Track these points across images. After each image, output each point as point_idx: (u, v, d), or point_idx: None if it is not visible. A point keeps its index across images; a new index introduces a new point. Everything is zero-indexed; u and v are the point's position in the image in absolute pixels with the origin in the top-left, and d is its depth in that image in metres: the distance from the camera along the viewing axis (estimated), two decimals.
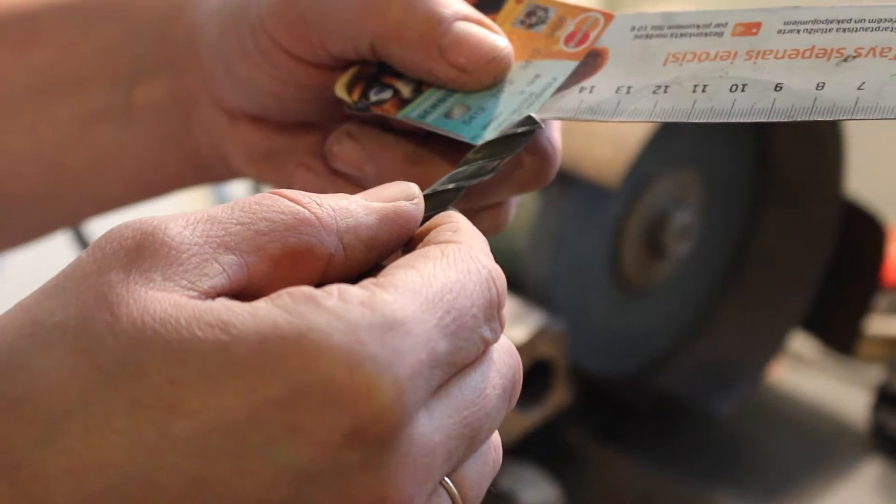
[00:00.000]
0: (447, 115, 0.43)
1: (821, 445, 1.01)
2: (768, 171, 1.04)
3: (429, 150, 0.44)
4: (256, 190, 1.14)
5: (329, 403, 0.29)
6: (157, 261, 0.31)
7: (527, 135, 0.41)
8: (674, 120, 0.40)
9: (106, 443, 0.29)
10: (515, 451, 0.87)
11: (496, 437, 0.34)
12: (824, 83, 0.38)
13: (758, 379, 1.03)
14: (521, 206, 0.91)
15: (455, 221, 0.36)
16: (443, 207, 0.38)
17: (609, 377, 0.99)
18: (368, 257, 0.34)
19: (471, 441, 0.32)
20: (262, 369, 0.29)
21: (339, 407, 0.29)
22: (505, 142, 0.40)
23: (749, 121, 0.39)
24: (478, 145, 0.41)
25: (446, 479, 0.32)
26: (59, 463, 0.29)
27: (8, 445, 0.29)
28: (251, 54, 0.46)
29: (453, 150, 0.44)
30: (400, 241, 0.35)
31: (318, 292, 0.30)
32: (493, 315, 0.33)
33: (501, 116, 0.42)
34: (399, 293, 0.31)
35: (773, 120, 0.39)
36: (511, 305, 0.85)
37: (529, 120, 0.41)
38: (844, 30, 0.39)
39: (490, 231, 0.46)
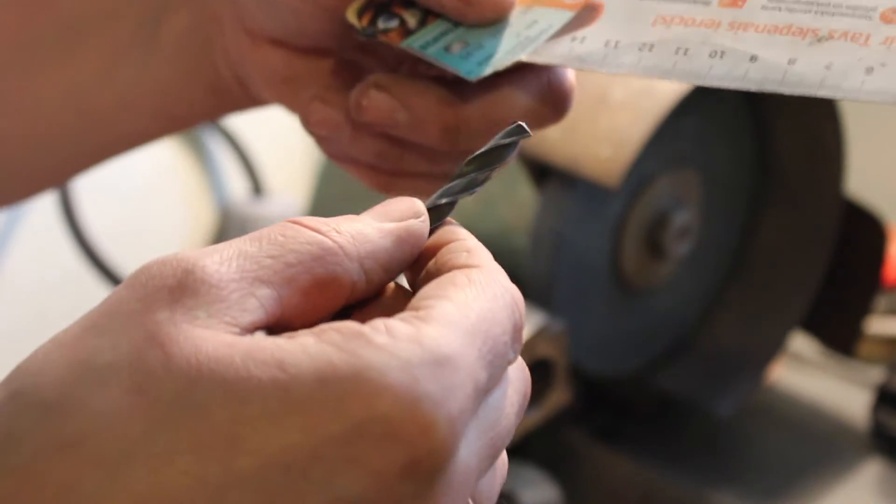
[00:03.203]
0: (447, 48, 0.45)
1: (821, 445, 1.01)
2: (768, 171, 1.04)
3: (461, 90, 0.45)
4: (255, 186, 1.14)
5: (388, 439, 0.30)
6: (200, 298, 0.31)
7: (513, 145, 0.42)
8: (654, 76, 0.42)
9: (170, 482, 0.29)
10: (515, 451, 0.87)
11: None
12: (796, 59, 0.41)
13: (758, 379, 1.03)
14: (521, 206, 0.91)
15: (464, 239, 0.37)
16: (440, 220, 0.39)
17: (609, 377, 0.99)
18: (385, 279, 0.36)
19: (493, 459, 0.34)
20: (322, 407, 0.30)
21: (397, 443, 0.30)
22: (493, 153, 0.42)
23: (723, 86, 0.41)
24: (468, 158, 0.42)
25: None
26: (126, 502, 0.29)
27: (72, 485, 0.29)
28: None
29: (484, 89, 0.45)
30: (411, 259, 0.37)
31: (365, 329, 0.31)
32: (517, 337, 0.34)
33: (496, 55, 0.45)
34: (441, 327, 0.32)
35: (744, 88, 0.41)
36: None
37: (518, 129, 0.42)
38: (822, 13, 0.42)
39: None
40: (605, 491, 0.93)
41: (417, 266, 0.37)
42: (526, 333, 0.83)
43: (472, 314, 0.33)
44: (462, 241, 0.37)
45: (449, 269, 0.35)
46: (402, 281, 0.38)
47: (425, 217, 0.37)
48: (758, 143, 1.03)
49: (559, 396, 0.86)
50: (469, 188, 0.40)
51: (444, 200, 0.39)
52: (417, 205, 0.37)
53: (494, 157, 0.41)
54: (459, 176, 0.41)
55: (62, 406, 0.30)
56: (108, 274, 1.02)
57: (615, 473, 0.94)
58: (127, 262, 1.03)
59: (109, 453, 0.29)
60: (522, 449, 0.87)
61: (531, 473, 0.87)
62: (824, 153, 0.99)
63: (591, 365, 0.95)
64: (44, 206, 1.01)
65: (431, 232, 0.38)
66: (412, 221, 0.36)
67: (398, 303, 0.36)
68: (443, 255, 0.36)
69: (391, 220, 0.36)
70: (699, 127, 0.97)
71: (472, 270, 0.34)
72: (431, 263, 0.36)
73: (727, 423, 1.01)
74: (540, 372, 0.85)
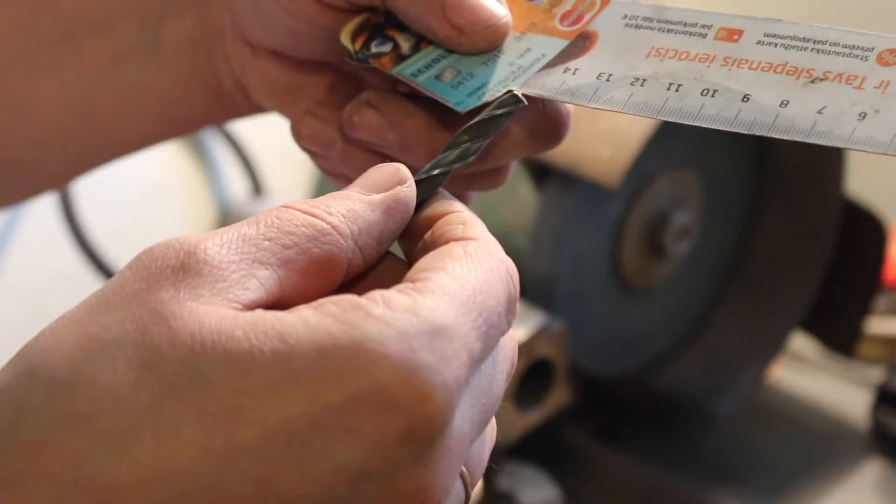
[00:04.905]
0: (438, 77, 0.45)
1: (821, 445, 1.01)
2: (768, 171, 1.04)
3: (453, 115, 0.45)
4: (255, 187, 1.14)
5: (386, 408, 0.31)
6: (203, 278, 0.32)
7: (508, 114, 0.42)
8: (643, 115, 0.42)
9: (176, 452, 0.30)
10: (515, 451, 0.87)
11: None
12: (789, 101, 0.40)
13: (758, 379, 1.03)
14: (521, 206, 0.91)
15: (459, 211, 0.38)
16: (433, 191, 0.39)
17: (609, 377, 0.99)
18: (380, 250, 0.37)
19: (484, 425, 0.35)
20: (322, 378, 0.31)
21: (395, 411, 0.31)
22: (487, 123, 0.42)
23: (712, 127, 0.41)
24: (460, 130, 0.42)
25: None
26: (132, 473, 0.30)
27: (81, 457, 0.30)
28: None
29: (475, 113, 0.45)
30: (402, 226, 0.38)
31: (363, 300, 0.32)
32: (511, 309, 0.35)
33: (488, 86, 0.44)
34: (438, 298, 0.33)
35: (734, 130, 0.40)
36: None
37: (513, 99, 0.42)
38: (819, 51, 0.41)
39: (488, 188, 0.48)
40: (605, 491, 0.93)
41: (412, 235, 0.38)
42: (526, 333, 0.83)
43: (467, 286, 0.33)
44: (458, 213, 0.37)
45: (445, 242, 0.36)
46: (396, 249, 0.38)
47: (411, 182, 0.38)
48: (758, 142, 1.03)
49: (559, 396, 0.86)
50: (462, 158, 0.41)
51: (437, 171, 0.40)
52: (402, 170, 0.38)
53: (489, 128, 0.41)
54: (451, 147, 0.41)
55: (70, 382, 0.31)
56: (107, 274, 1.02)
57: (615, 473, 0.94)
58: (127, 262, 1.03)
59: (117, 426, 0.30)
60: (522, 449, 0.87)
61: (531, 473, 0.87)
62: (824, 153, 0.99)
63: (591, 365, 0.95)
64: (44, 206, 1.01)
65: (425, 202, 0.38)
66: (399, 189, 0.37)
67: (393, 272, 0.37)
68: (439, 227, 0.37)
69: (378, 189, 0.37)
70: (699, 127, 0.97)
71: (468, 243, 0.35)
72: (428, 235, 0.37)
73: (727, 423, 1.01)
74: (540, 372, 0.85)
